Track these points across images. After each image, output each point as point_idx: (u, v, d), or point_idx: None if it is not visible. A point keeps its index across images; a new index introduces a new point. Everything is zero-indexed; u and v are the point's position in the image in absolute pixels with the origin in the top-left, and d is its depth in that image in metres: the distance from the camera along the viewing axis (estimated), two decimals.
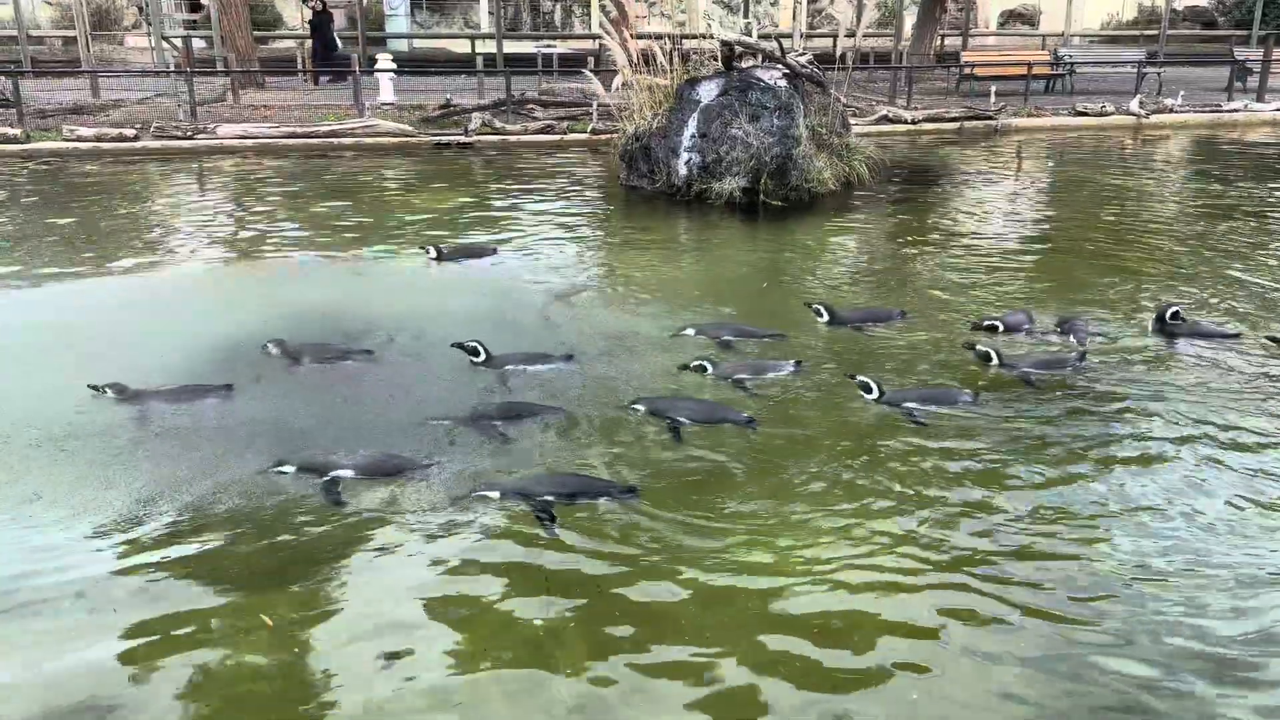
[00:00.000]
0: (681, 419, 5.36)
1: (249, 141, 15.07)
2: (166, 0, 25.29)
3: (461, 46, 28.56)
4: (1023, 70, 20.24)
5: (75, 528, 4.35)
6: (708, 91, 11.45)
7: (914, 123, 17.53)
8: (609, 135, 14.57)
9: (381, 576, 4.05)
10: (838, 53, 14.34)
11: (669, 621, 3.79)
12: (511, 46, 26.26)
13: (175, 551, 4.19)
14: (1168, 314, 6.87)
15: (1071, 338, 6.68)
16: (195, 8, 27.83)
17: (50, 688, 3.40)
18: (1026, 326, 6.92)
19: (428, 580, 4.03)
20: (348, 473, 4.75)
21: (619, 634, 3.71)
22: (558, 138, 16.23)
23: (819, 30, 31.05)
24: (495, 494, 4.56)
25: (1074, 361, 6.26)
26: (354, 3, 27.40)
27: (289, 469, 4.78)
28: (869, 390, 5.70)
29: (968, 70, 21.02)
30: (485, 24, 30.81)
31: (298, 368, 6.13)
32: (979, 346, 6.33)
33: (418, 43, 28.81)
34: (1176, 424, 5.45)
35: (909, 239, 10.16)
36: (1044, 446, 5.20)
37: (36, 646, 3.61)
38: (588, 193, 12.60)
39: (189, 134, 14.99)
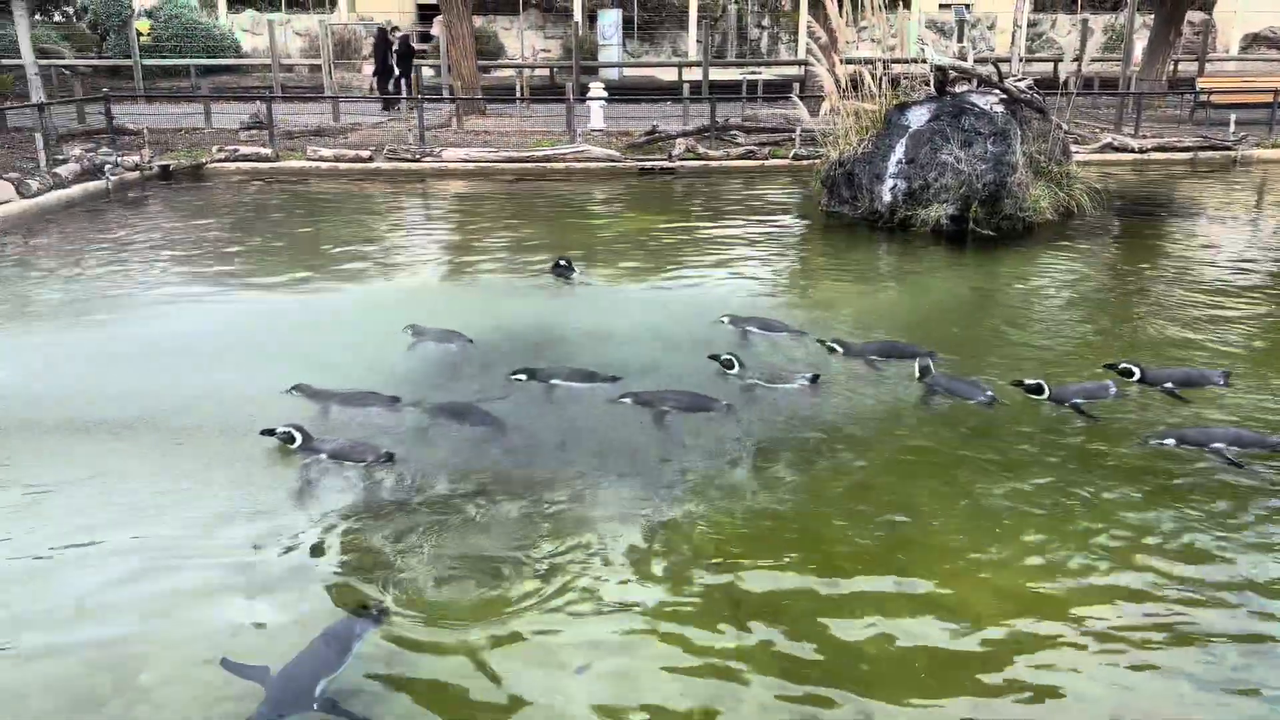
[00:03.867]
0: (665, 407, 5.80)
1: (470, 165, 15.97)
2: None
3: (669, 74, 29.19)
4: (1268, 98, 18.64)
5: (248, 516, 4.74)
6: (918, 117, 11.22)
7: (1141, 151, 16.49)
8: (811, 161, 14.50)
9: (575, 583, 4.15)
10: (1060, 78, 13.71)
11: (852, 649, 3.72)
12: (717, 73, 26.59)
13: (370, 544, 4.48)
14: None
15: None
16: (425, 38, 29.82)
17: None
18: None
19: (619, 591, 4.10)
20: (322, 456, 5.15)
21: (806, 658, 3.67)
22: (759, 163, 16.29)
23: (1039, 54, 29.74)
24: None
25: (1109, 390, 6.09)
26: (569, 33, 28.57)
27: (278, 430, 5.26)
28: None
29: (1204, 97, 19.57)
30: (693, 52, 31.36)
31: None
32: (1027, 381, 6.14)
33: (627, 71, 29.69)
34: None
35: (1128, 276, 9.54)
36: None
37: (240, 625, 3.94)
38: (786, 218, 12.58)
39: (417, 157, 16.04)
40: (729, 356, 6.50)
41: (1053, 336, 7.53)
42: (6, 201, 11.56)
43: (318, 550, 4.38)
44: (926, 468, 5.22)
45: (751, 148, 16.76)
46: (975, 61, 13.25)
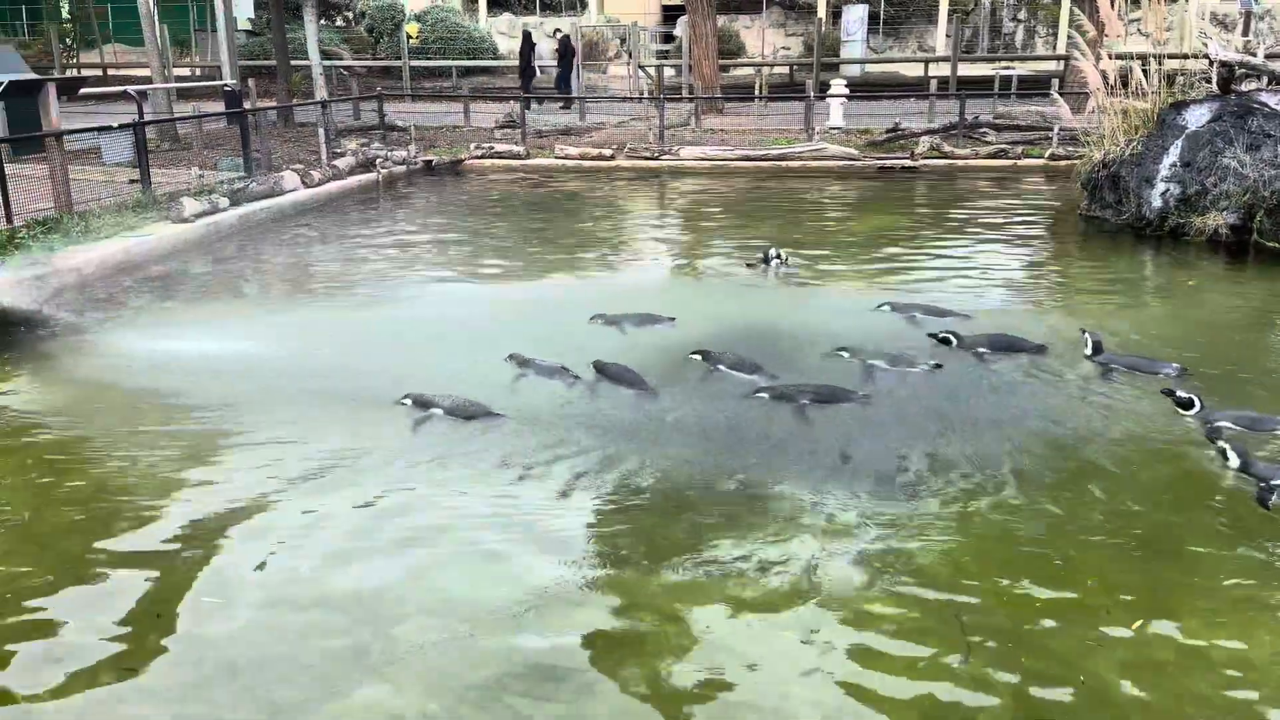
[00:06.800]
0: (803, 399, 5.83)
1: (706, 163, 16.14)
2: (645, 32, 27.92)
3: (913, 70, 28.28)
4: None
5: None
6: (1196, 116, 10.28)
7: None
8: (1070, 162, 13.64)
9: (790, 589, 4.07)
10: None
11: (1105, 692, 3.45)
12: (967, 69, 25.49)
13: (594, 516, 4.59)
14: None
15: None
16: (668, 38, 30.40)
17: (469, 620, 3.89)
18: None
19: (837, 601, 3.97)
20: (439, 411, 5.69)
21: (1047, 695, 3.44)
22: (1010, 163, 15.48)
23: None
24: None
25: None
26: (811, 30, 28.24)
27: (408, 402, 5.81)
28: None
29: None
30: (941, 47, 30.21)
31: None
32: (1179, 393, 5.69)
33: (870, 67, 29.00)
34: None
35: None
36: None
37: (486, 596, 4.14)
38: (1039, 221, 11.87)
39: (656, 155, 16.39)
40: (842, 349, 6.68)
41: None
42: (293, 190, 12.79)
43: (541, 518, 4.55)
44: (1183, 493, 4.78)
45: (1003, 146, 15.95)
46: (1266, 56, 11.99)
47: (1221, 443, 5.05)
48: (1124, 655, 3.62)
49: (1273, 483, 4.73)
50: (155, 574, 4.17)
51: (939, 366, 6.39)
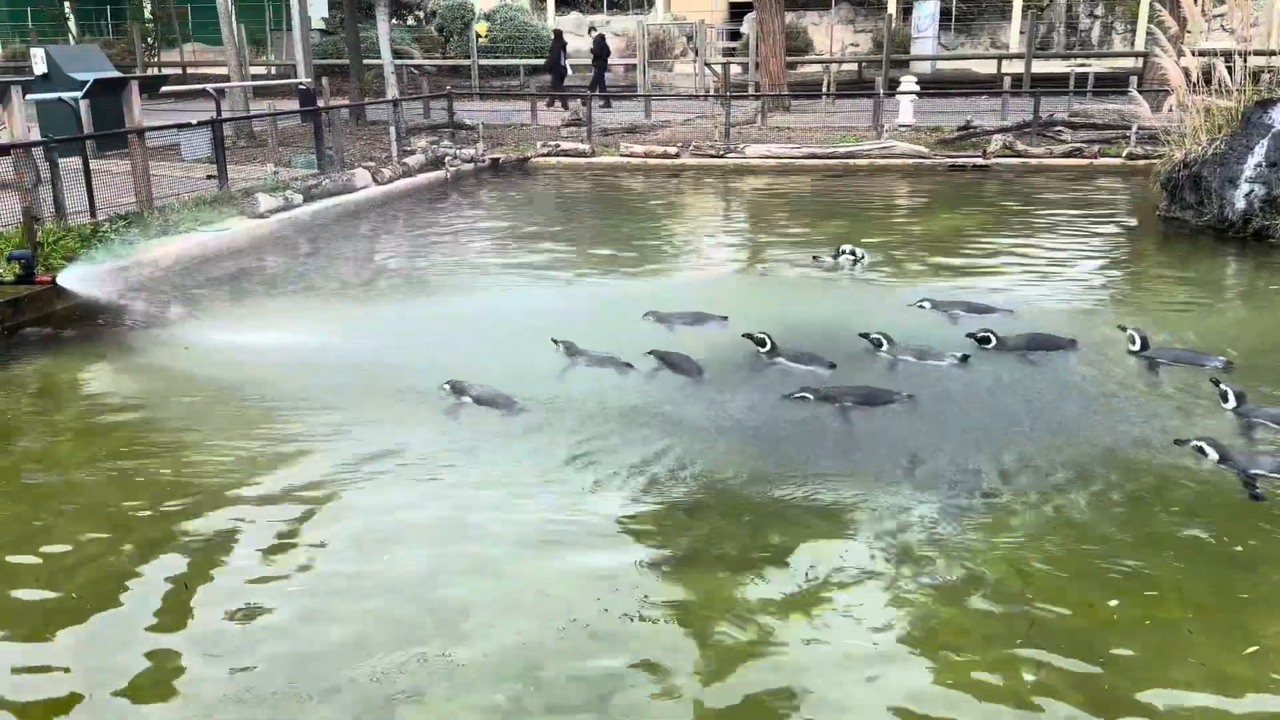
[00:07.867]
0: (847, 401, 5.77)
1: (772, 161, 16.02)
2: (711, 29, 27.82)
3: (986, 67, 27.76)
4: None
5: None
6: None
7: None
8: (1147, 161, 13.27)
9: (861, 583, 4.03)
10: None
11: (1177, 709, 3.34)
12: (1041, 66, 24.95)
13: (665, 513, 4.58)
14: None
15: None
16: (734, 35, 30.25)
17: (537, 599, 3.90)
18: None
19: (911, 597, 3.93)
20: (467, 399, 5.85)
21: (1118, 705, 3.35)
22: (1086, 162, 15.09)
23: None
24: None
25: None
26: (880, 27, 27.87)
27: (447, 387, 5.92)
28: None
29: None
30: (1014, 43, 29.59)
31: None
32: (1222, 385, 5.63)
33: (941, 64, 28.53)
34: None
35: None
36: None
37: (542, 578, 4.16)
38: (1116, 222, 11.56)
39: (720, 153, 16.32)
40: (878, 336, 6.64)
41: None
42: (365, 187, 13.01)
43: (608, 508, 4.57)
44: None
45: (1079, 145, 15.56)
46: None
47: (1196, 441, 5.00)
48: (1203, 671, 3.51)
49: (1251, 472, 4.75)
50: (225, 560, 4.29)
51: (966, 358, 6.38)
